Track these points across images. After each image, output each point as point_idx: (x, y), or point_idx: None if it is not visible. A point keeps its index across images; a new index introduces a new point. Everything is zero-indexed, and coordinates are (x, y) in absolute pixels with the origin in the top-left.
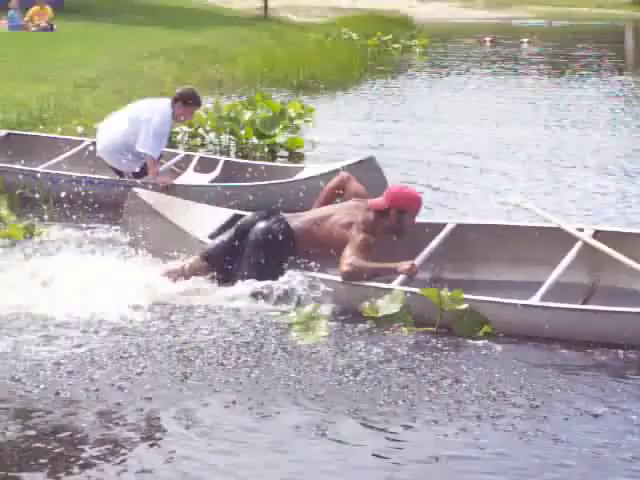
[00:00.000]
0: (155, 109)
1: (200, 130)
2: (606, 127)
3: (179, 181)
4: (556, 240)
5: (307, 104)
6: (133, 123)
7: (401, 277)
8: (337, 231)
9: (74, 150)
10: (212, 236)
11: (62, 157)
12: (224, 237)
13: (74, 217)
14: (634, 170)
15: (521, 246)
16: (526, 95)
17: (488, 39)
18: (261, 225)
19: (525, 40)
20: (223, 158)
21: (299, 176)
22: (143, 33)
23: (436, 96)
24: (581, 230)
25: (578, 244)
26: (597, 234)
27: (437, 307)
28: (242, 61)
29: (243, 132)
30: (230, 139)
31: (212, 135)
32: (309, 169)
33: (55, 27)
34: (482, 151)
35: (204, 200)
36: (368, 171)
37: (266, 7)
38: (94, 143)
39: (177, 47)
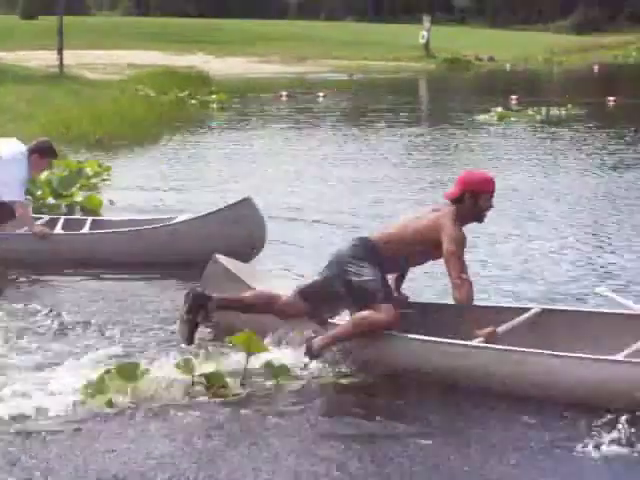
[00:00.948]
0: (12, 157)
1: None
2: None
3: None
4: None
5: (104, 162)
6: None
7: (479, 339)
8: (423, 223)
9: None
10: None
11: None
12: (318, 276)
13: None
14: None
15: (603, 333)
16: (321, 147)
17: (284, 93)
18: (344, 247)
19: (321, 94)
20: (90, 217)
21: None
22: None
23: (233, 150)
24: None
25: None
26: None
27: (245, 353)
28: (38, 120)
29: (40, 192)
30: (27, 199)
31: None
32: (183, 217)
33: None
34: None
35: (83, 249)
36: (246, 212)
37: (62, 64)
38: None
39: None
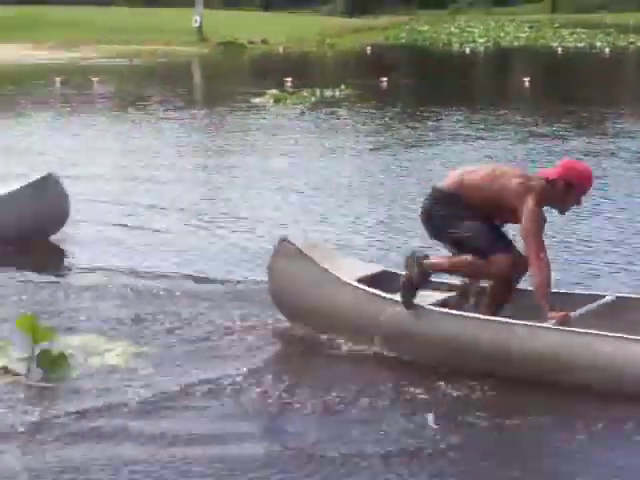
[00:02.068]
0: None
1: None
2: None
3: None
4: None
5: None
6: None
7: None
8: (511, 184)
9: None
10: (360, 280)
11: None
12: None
13: None
14: None
15: None
16: (98, 132)
17: (58, 79)
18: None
19: (95, 79)
20: None
21: None
22: None
23: (8, 136)
24: None
25: None
26: None
27: (31, 340)
28: None
29: None
30: None
31: None
32: None
33: None
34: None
35: None
36: (49, 188)
37: None
38: None
39: None
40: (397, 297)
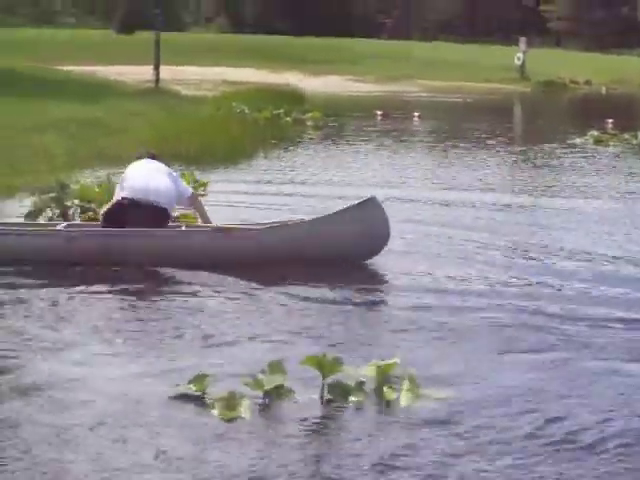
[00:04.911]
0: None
1: (92, 205)
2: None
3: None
4: None
5: (200, 177)
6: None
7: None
8: None
9: None
10: None
11: None
12: None
13: None
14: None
15: None
16: (419, 166)
17: (379, 113)
18: None
19: (416, 114)
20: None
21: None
22: (31, 105)
23: (330, 167)
24: None
25: None
26: None
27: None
28: (134, 134)
29: None
30: None
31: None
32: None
33: None
34: None
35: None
36: (371, 211)
37: (157, 80)
38: None
39: (68, 120)
40: None
